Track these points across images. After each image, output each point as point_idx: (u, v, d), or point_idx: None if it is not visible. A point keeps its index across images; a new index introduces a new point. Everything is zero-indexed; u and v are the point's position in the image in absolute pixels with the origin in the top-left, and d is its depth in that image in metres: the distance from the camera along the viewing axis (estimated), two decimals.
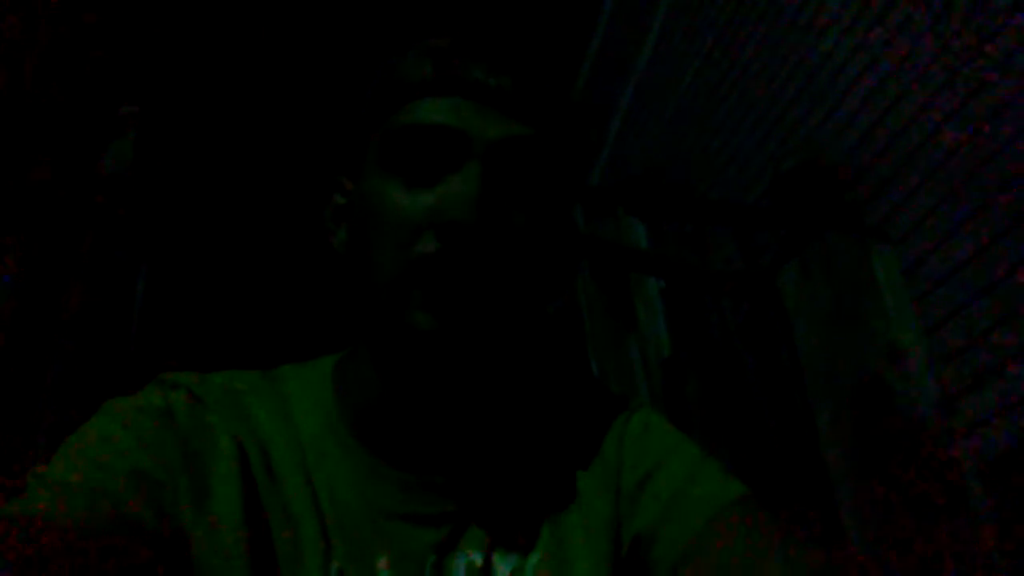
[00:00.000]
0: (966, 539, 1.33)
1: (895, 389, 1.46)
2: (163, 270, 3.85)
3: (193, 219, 4.29)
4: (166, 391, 0.58)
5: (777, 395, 2.18)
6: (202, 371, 0.63)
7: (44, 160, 3.36)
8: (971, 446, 1.89)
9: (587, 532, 0.59)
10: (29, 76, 3.38)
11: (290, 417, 0.60)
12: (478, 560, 0.57)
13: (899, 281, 1.62)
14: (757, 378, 2.27)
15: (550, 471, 0.61)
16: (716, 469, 0.60)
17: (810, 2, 2.94)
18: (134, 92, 3.74)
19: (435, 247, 0.52)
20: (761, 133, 3.17)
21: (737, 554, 0.53)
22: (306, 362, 0.66)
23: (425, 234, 0.52)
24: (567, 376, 0.68)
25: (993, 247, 2.12)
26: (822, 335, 1.60)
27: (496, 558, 0.57)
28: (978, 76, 2.21)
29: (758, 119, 3.20)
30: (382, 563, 0.56)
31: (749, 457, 2.14)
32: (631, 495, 0.60)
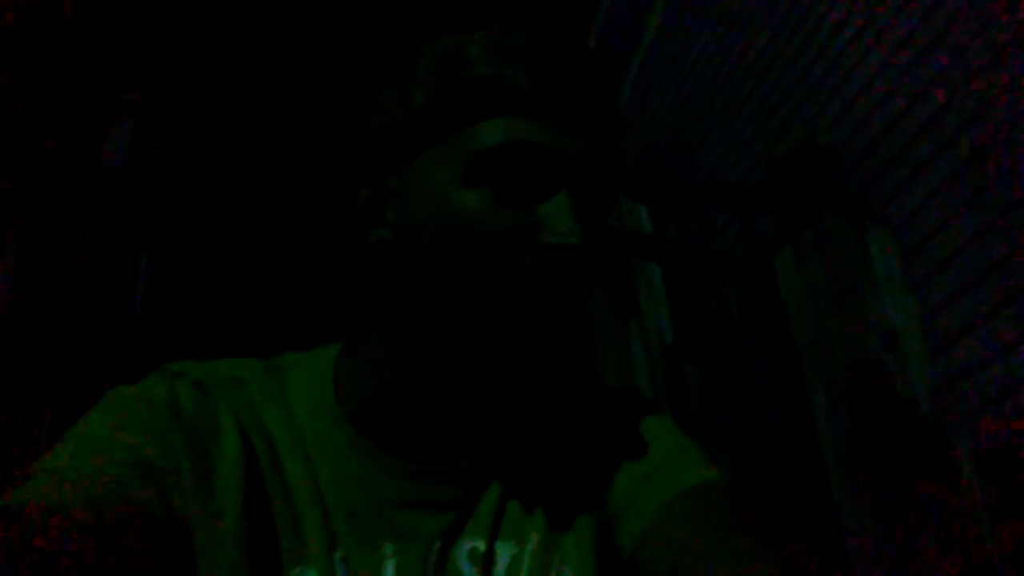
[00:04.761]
0: (960, 524, 1.34)
1: (892, 374, 1.47)
2: (164, 259, 3.85)
3: (195, 208, 4.28)
4: (170, 380, 0.58)
5: (778, 380, 2.18)
6: (204, 360, 0.63)
7: (43, 149, 3.35)
8: (969, 432, 1.89)
9: (578, 519, 0.60)
10: (28, 63, 3.36)
11: (291, 407, 0.61)
12: (481, 546, 0.58)
13: (896, 264, 1.63)
14: (758, 363, 2.28)
15: (547, 458, 0.62)
16: (693, 456, 0.61)
17: None
18: (136, 78, 3.73)
19: (538, 268, 0.52)
20: (760, 120, 3.16)
21: (688, 537, 0.54)
22: (307, 351, 0.66)
23: (525, 255, 0.52)
24: (570, 368, 0.69)
25: (992, 233, 2.12)
26: (817, 318, 1.61)
27: (497, 544, 0.58)
28: (975, 63, 2.20)
29: (757, 106, 3.19)
30: (388, 550, 0.57)
31: (748, 442, 2.15)
32: (612, 480, 0.61)
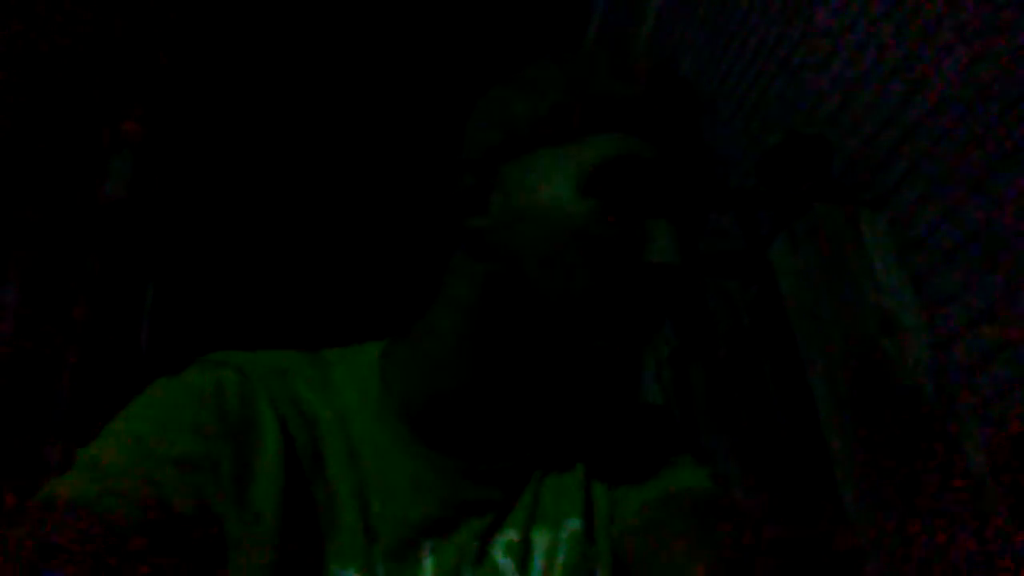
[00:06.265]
0: (969, 520, 1.29)
1: (891, 358, 1.43)
2: (171, 283, 3.87)
3: (199, 235, 4.32)
4: (216, 370, 0.59)
5: (784, 383, 2.14)
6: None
7: (45, 182, 3.39)
8: (978, 425, 1.84)
9: (606, 512, 0.62)
10: (28, 96, 3.41)
11: (336, 400, 0.61)
12: (516, 536, 0.59)
13: (890, 248, 1.59)
14: (766, 367, 2.24)
15: (586, 457, 0.64)
16: (679, 460, 0.64)
17: None
18: (135, 110, 3.77)
19: (637, 283, 0.55)
20: (759, 115, 3.14)
21: (646, 544, 0.57)
22: (349, 347, 0.66)
23: (626, 269, 0.55)
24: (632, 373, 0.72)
25: (996, 224, 2.07)
26: (813, 305, 1.58)
27: (533, 532, 0.59)
28: (975, 46, 2.17)
29: (756, 101, 3.17)
30: (427, 547, 0.57)
31: (754, 446, 2.11)
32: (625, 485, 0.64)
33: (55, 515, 0.48)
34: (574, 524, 0.60)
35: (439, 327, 0.60)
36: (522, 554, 0.58)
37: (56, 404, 3.19)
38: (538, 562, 0.58)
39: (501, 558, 0.57)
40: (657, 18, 4.21)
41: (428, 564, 0.56)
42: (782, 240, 1.65)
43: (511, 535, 0.58)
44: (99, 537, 0.47)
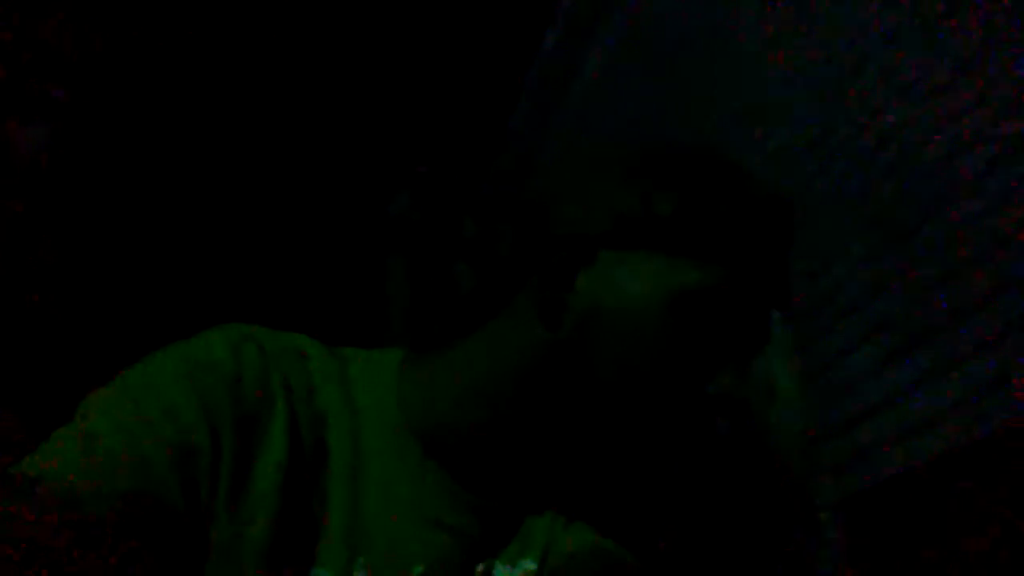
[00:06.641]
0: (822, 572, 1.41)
1: (768, 428, 1.53)
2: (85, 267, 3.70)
3: (117, 214, 4.14)
4: (237, 345, 0.56)
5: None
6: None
7: None
8: (834, 486, 1.97)
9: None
10: None
11: (351, 399, 0.59)
12: (481, 568, 0.60)
13: (779, 324, 1.70)
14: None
15: (560, 504, 0.65)
16: (620, 527, 0.66)
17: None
18: (58, 70, 3.59)
19: (696, 412, 0.57)
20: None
21: None
22: (370, 350, 0.65)
23: (691, 394, 0.57)
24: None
25: (880, 296, 2.21)
26: None
27: (496, 569, 0.60)
28: (871, 140, 2.32)
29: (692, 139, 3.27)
30: (417, 571, 0.56)
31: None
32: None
33: (37, 503, 0.46)
34: (530, 565, 0.60)
35: (481, 364, 0.59)
36: None
37: None
38: None
39: None
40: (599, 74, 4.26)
41: None
42: None
43: (479, 568, 0.59)
44: (77, 533, 0.45)
